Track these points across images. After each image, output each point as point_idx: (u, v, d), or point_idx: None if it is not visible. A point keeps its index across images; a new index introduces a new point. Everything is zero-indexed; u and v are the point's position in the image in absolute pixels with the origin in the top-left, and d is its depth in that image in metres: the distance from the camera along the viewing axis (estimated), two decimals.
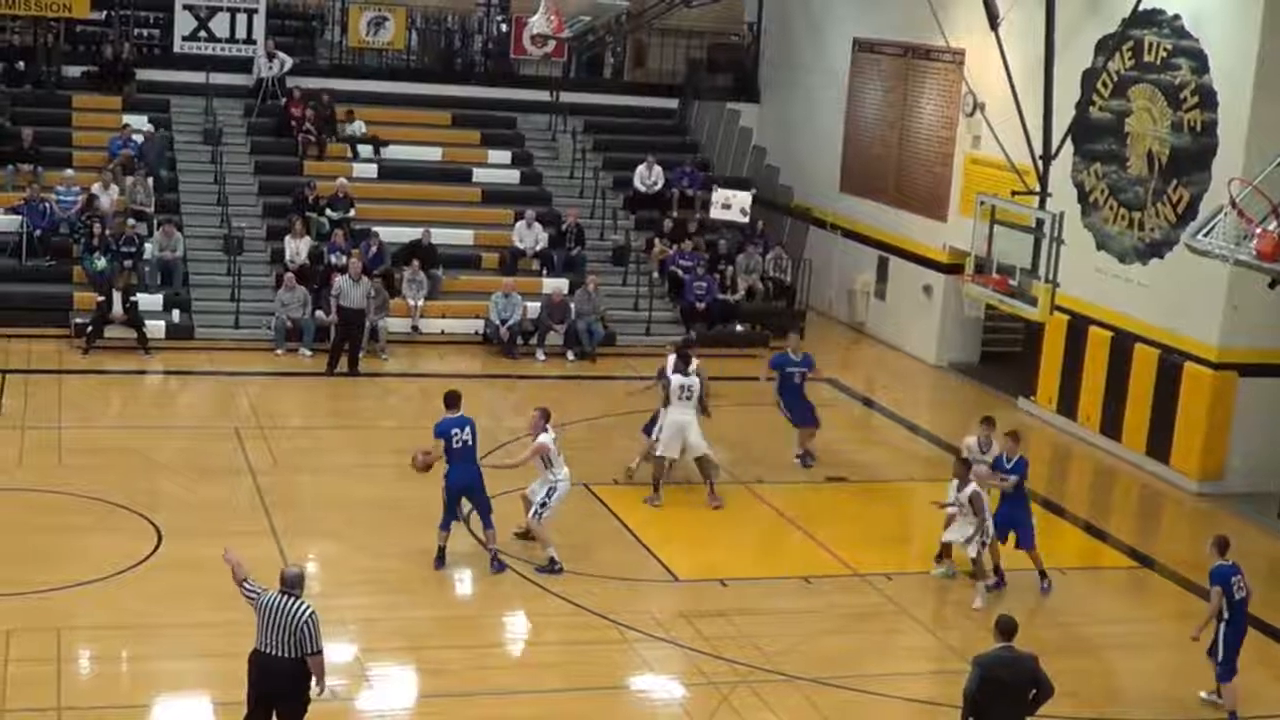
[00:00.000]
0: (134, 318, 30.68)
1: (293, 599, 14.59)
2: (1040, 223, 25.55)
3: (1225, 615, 18.28)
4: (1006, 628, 15.03)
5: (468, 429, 20.94)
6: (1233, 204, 21.90)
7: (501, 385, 31.04)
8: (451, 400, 21.31)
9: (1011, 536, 21.80)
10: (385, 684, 17.98)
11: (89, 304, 31.02)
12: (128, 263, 32.05)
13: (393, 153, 37.92)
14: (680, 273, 35.37)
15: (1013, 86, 27.22)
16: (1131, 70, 28.57)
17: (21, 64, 37.43)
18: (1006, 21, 27.96)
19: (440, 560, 21.07)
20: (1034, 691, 14.85)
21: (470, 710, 17.44)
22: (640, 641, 19.31)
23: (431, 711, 17.59)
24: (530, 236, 35.42)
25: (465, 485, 20.96)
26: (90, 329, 30.45)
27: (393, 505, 23.52)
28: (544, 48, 39.75)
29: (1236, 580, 18.34)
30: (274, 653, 14.57)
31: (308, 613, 14.53)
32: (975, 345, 34.97)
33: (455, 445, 20.76)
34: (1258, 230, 21.28)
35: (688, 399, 24.32)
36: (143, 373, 30.09)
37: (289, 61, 38.45)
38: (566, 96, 40.81)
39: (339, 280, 31.13)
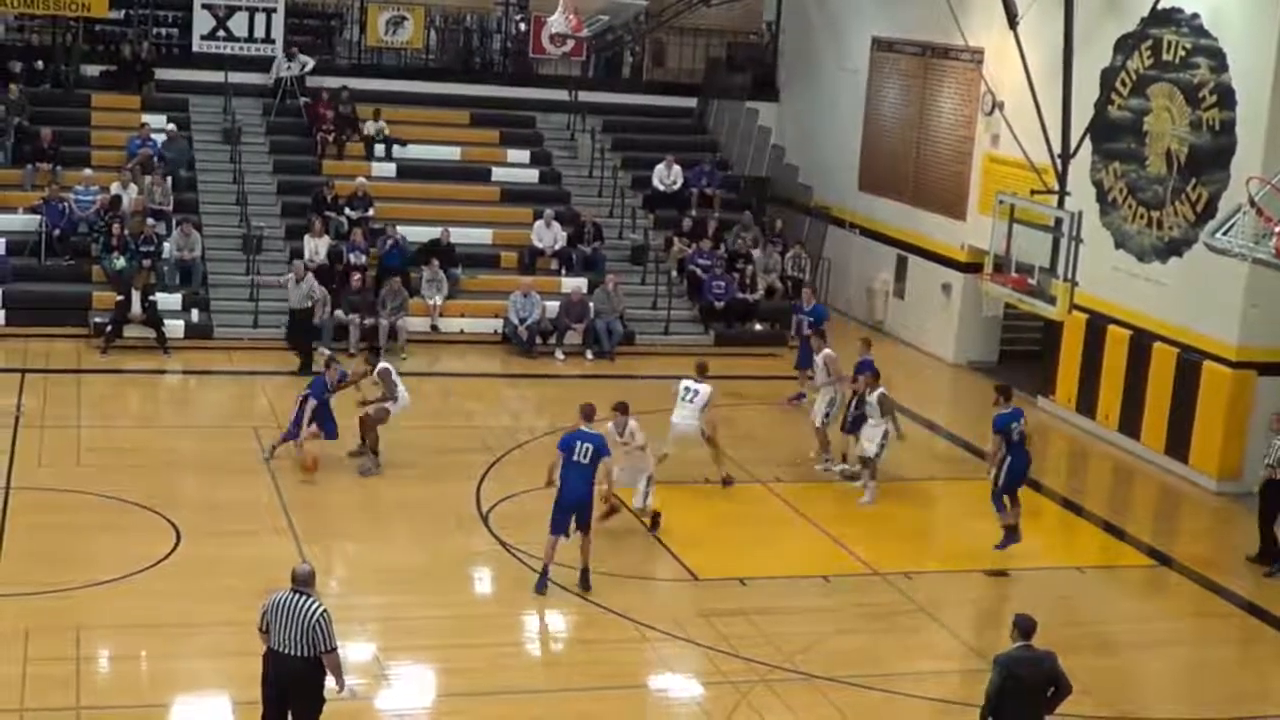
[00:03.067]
0: (153, 317, 30.73)
1: (304, 597, 14.54)
2: (1059, 221, 25.54)
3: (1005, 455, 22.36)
4: (1025, 626, 15.00)
5: (589, 446, 20.43)
6: (1251, 202, 21.88)
7: (521, 384, 31.08)
8: (587, 413, 21.21)
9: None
10: (404, 683, 18.02)
11: (108, 303, 31.07)
12: (146, 262, 32.10)
13: (411, 152, 37.93)
14: (699, 272, 35.35)
15: (1031, 85, 27.20)
16: (1150, 69, 28.51)
17: (40, 63, 37.52)
18: (1025, 20, 27.93)
19: (543, 583, 20.49)
20: (1052, 689, 14.83)
21: (489, 709, 17.44)
22: (659, 640, 19.31)
23: (450, 710, 17.62)
24: (549, 236, 35.43)
25: (576, 502, 20.52)
26: (109, 328, 30.51)
27: (411, 504, 23.58)
28: (563, 47, 39.77)
29: (1016, 426, 22.39)
30: (287, 651, 14.52)
31: (319, 611, 14.47)
32: (994, 344, 34.91)
33: (574, 458, 20.40)
34: (1277, 229, 21.25)
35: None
36: (161, 372, 30.14)
37: (310, 63, 38.47)
38: (585, 96, 40.81)
39: (285, 282, 31.30)
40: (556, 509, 20.43)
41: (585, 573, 20.59)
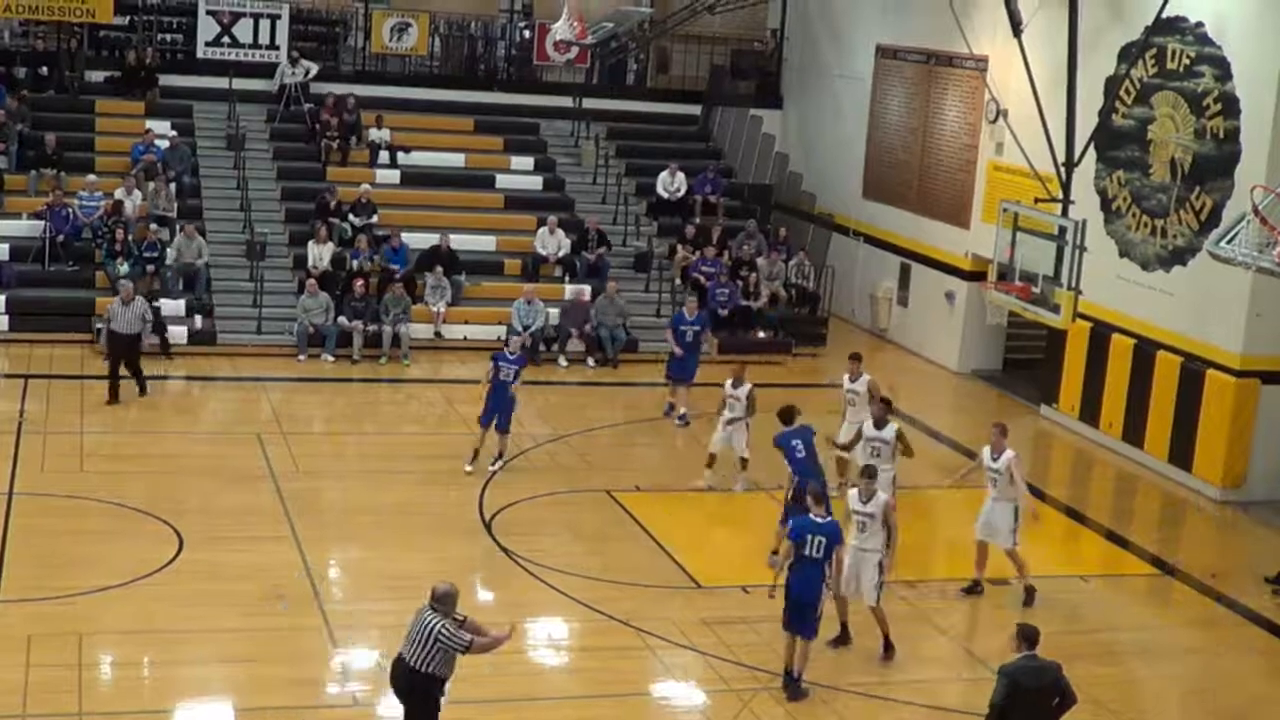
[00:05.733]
0: (156, 323, 30.69)
1: (432, 613, 15.03)
2: (1063, 230, 25.55)
3: None
4: (1029, 636, 15.01)
5: (821, 539, 17.99)
6: (1255, 211, 21.87)
7: (524, 391, 31.01)
8: (816, 494, 18.54)
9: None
10: None
11: None
12: (150, 268, 32.11)
13: (415, 159, 37.95)
14: (703, 279, 35.31)
15: (1035, 93, 27.23)
16: (1154, 77, 28.51)
17: (45, 69, 37.51)
18: (1029, 28, 27.96)
19: (793, 686, 18.30)
20: (1057, 700, 14.82)
21: (492, 716, 17.39)
22: (662, 648, 19.30)
23: (453, 718, 17.55)
24: (553, 242, 35.42)
25: (803, 602, 18.14)
26: None
27: (415, 511, 23.57)
28: (567, 54, 39.81)
29: None
30: (406, 655, 15.09)
31: (438, 625, 14.92)
32: (998, 352, 34.90)
33: (805, 552, 18.05)
34: None
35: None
36: (165, 378, 30.07)
37: (314, 68, 38.50)
38: (589, 103, 40.83)
39: (111, 305, 28.37)
40: (788, 607, 18.25)
41: (793, 677, 18.27)
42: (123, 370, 27.96)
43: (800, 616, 18.10)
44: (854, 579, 19.17)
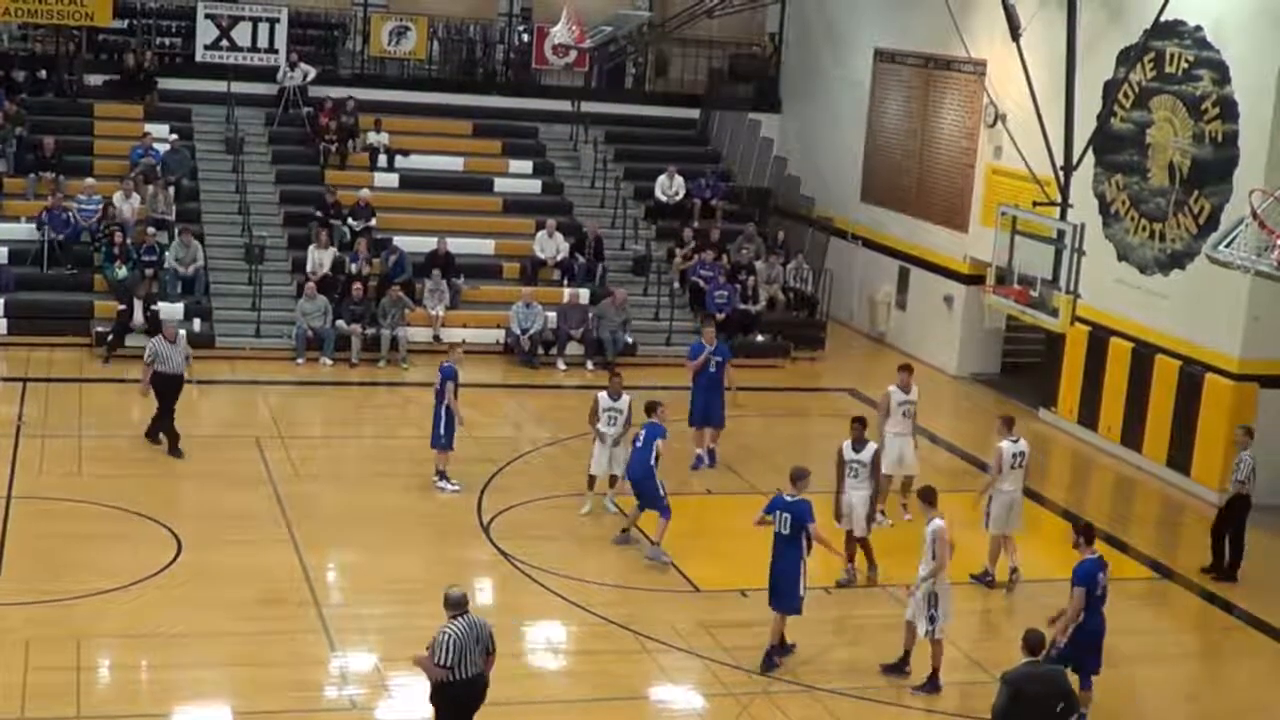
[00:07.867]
0: (154, 326, 30.64)
1: (468, 616, 15.25)
2: (1061, 234, 25.55)
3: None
4: (1033, 643, 15.03)
5: (788, 516, 18.97)
6: (1254, 215, 21.85)
7: (523, 395, 31.07)
8: (793, 475, 19.26)
9: None
10: (404, 693, 17.94)
11: (110, 312, 31.06)
12: (148, 271, 32.10)
13: (414, 162, 37.95)
14: (701, 283, 35.31)
15: (1034, 97, 27.23)
16: (1153, 81, 28.52)
17: (43, 73, 37.52)
18: (1028, 32, 27.96)
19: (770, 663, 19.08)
20: (1062, 705, 14.81)
21: None
22: (660, 652, 19.30)
23: None
24: (551, 246, 35.41)
25: (774, 574, 19.14)
26: (111, 337, 30.49)
27: (413, 515, 23.56)
28: (566, 58, 39.84)
29: (1102, 578, 18.11)
30: (476, 673, 15.28)
31: (490, 628, 15.40)
32: (996, 356, 34.91)
33: (777, 529, 19.08)
34: (1278, 241, 21.23)
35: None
36: None
37: (312, 72, 38.47)
38: (588, 106, 40.83)
39: (153, 343, 25.92)
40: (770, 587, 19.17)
41: (769, 652, 19.10)
42: None
43: (777, 591, 18.97)
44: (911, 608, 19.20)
